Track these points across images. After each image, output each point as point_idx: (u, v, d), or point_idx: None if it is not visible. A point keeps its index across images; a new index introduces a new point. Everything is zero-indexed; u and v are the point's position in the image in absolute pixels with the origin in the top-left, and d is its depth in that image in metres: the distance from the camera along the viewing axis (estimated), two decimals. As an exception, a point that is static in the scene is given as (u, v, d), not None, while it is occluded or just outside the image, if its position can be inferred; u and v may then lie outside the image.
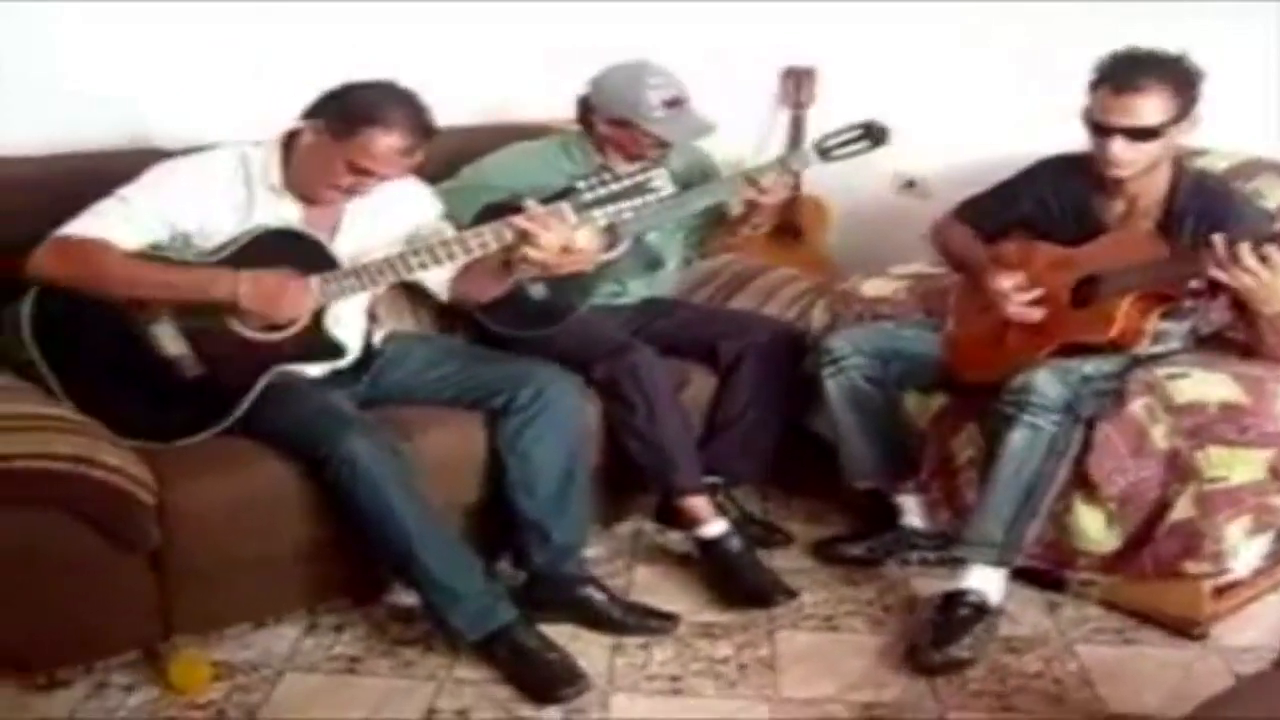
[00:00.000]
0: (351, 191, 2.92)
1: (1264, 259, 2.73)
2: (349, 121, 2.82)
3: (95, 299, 2.78)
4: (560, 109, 3.65)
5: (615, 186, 2.82)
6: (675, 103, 3.40)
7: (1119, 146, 2.96)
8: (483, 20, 4.00)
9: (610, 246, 3.38)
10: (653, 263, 3.64)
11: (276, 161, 2.93)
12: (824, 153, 3.39)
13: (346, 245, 2.98)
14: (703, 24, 4.25)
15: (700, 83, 3.49)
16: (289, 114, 2.92)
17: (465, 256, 2.90)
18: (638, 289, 3.64)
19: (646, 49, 3.50)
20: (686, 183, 3.50)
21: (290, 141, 2.93)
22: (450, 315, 3.48)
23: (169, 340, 2.83)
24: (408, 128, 2.84)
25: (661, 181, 2.82)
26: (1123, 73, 2.95)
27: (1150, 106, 2.92)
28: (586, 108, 3.50)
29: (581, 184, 2.85)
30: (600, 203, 2.83)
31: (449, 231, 3.06)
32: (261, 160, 2.93)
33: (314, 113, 2.87)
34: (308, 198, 2.96)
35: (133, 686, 2.83)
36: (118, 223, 2.81)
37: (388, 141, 2.83)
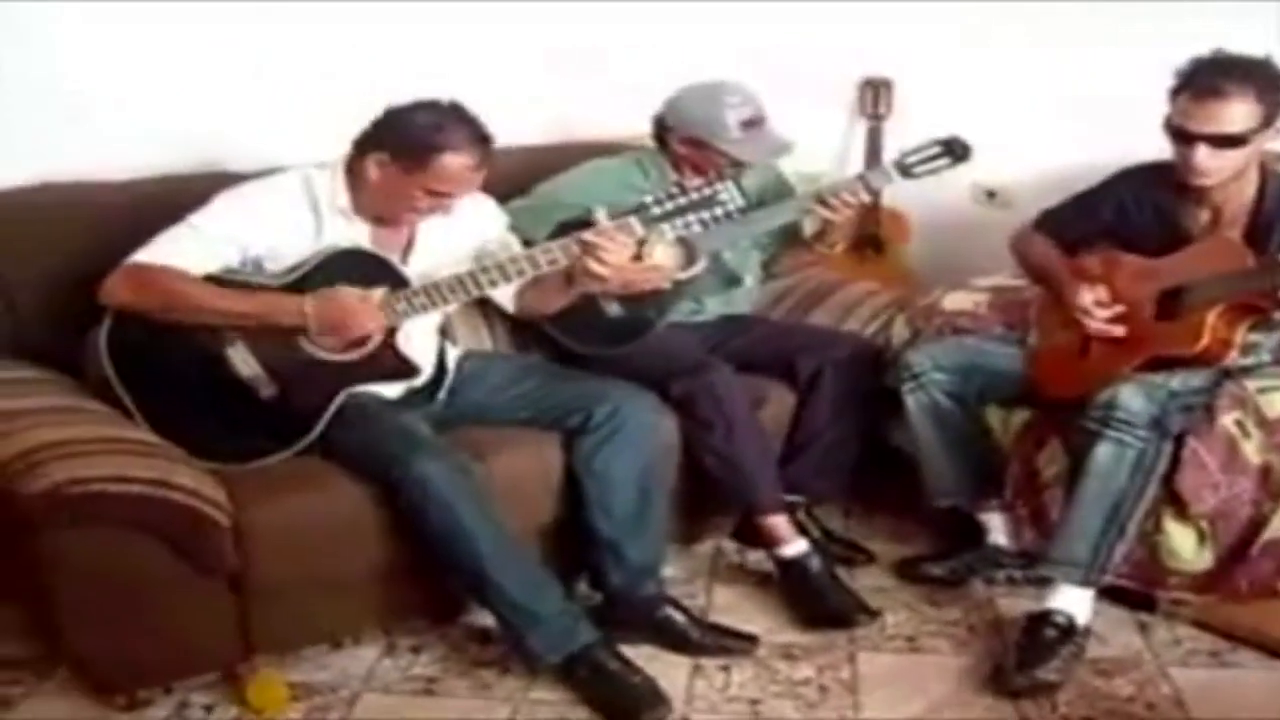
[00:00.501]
0: (431, 211, 2.93)
1: None
2: (416, 152, 2.83)
3: (169, 323, 2.81)
4: (633, 124, 3.63)
5: (682, 200, 2.80)
6: (753, 123, 3.37)
7: (1202, 154, 2.89)
8: (553, 36, 4.01)
9: (688, 264, 3.36)
10: (730, 280, 3.61)
11: (343, 185, 2.94)
12: (905, 170, 3.34)
13: (420, 263, 2.99)
14: (778, 36, 4.21)
15: (777, 95, 3.46)
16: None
17: (534, 272, 2.90)
18: (715, 306, 3.61)
19: (723, 62, 3.48)
20: (761, 201, 3.48)
21: (353, 166, 2.94)
22: (527, 334, 3.48)
23: (243, 362, 2.86)
24: (473, 143, 2.85)
25: (729, 195, 2.79)
26: (1204, 78, 2.88)
27: (1233, 113, 2.85)
28: (662, 127, 3.48)
29: (649, 199, 2.83)
30: (668, 216, 2.80)
31: (515, 245, 3.08)
32: (326, 184, 2.94)
33: (372, 145, 2.88)
34: (381, 220, 2.97)
35: (212, 707, 2.84)
36: (188, 249, 2.83)
37: (460, 162, 2.84)
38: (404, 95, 2.89)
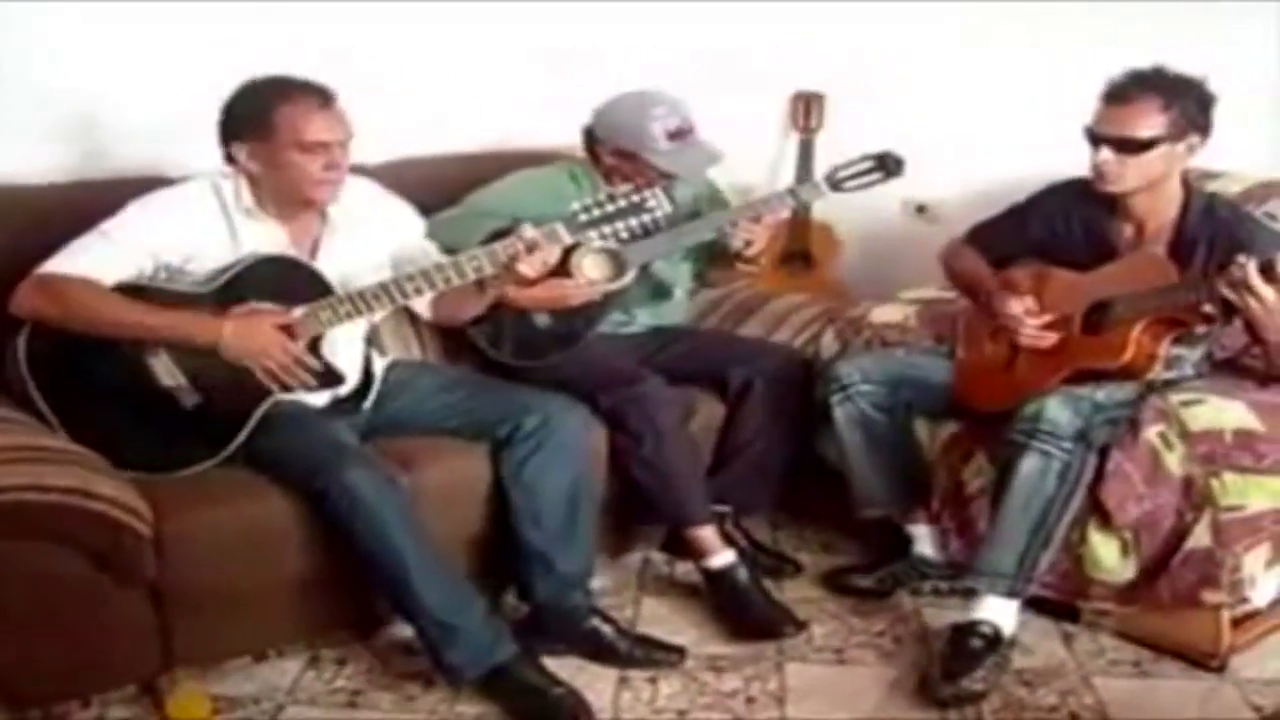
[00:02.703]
0: (331, 172, 2.87)
1: (1271, 280, 2.68)
2: (260, 121, 2.82)
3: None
4: (568, 137, 3.62)
5: (610, 208, 2.80)
6: (680, 133, 3.36)
7: (1104, 156, 2.96)
8: (490, 47, 4.00)
9: (616, 275, 3.35)
10: (660, 291, 3.61)
11: (244, 186, 2.91)
12: (836, 184, 3.36)
13: (329, 263, 2.96)
14: (711, 50, 4.22)
15: (710, 108, 3.46)
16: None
17: (460, 280, 2.86)
18: (645, 318, 3.61)
19: (655, 75, 3.48)
20: (694, 212, 3.48)
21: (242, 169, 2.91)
22: (456, 344, 3.46)
23: (165, 371, 2.81)
24: (298, 87, 2.83)
25: (657, 202, 2.79)
26: (1118, 85, 2.96)
27: (1137, 118, 2.92)
28: (592, 139, 3.47)
29: (577, 205, 2.82)
30: (595, 223, 2.80)
31: (433, 252, 3.06)
32: (231, 188, 2.91)
33: (229, 144, 2.86)
34: (298, 210, 2.94)
35: (131, 721, 2.80)
36: (100, 258, 2.79)
37: (301, 105, 2.81)
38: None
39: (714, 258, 3.64)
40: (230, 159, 2.88)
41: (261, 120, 2.82)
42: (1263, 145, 3.57)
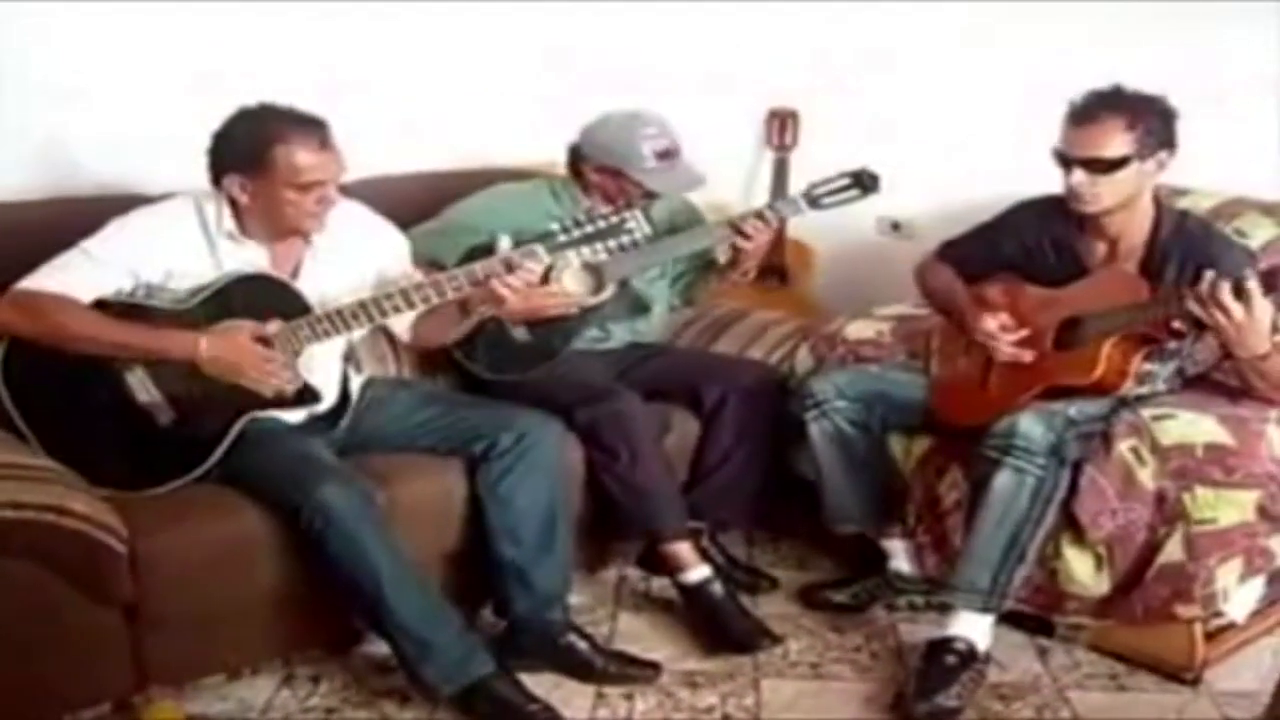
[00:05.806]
0: (323, 205, 2.87)
1: (1241, 295, 2.70)
2: (255, 158, 2.80)
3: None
4: (545, 154, 3.63)
5: (590, 228, 2.81)
6: (668, 154, 3.38)
7: (1077, 178, 2.97)
8: (471, 66, 4.00)
9: (595, 290, 3.35)
10: (638, 307, 3.62)
11: (227, 211, 2.90)
12: (813, 201, 3.37)
13: (310, 284, 2.95)
14: (686, 67, 4.24)
15: (685, 125, 3.47)
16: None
17: (439, 299, 2.87)
18: (622, 334, 3.61)
19: (630, 91, 3.50)
20: (674, 228, 3.49)
21: (228, 194, 2.89)
22: (432, 361, 3.46)
23: (141, 387, 2.81)
24: (299, 125, 2.81)
25: (636, 224, 2.80)
26: (1082, 106, 2.97)
27: (1104, 138, 2.93)
28: (577, 155, 3.48)
29: (556, 225, 2.83)
30: (574, 244, 2.81)
31: (417, 277, 3.04)
32: (214, 210, 2.90)
33: (222, 172, 2.85)
34: (281, 237, 2.93)
35: (104, 740, 2.78)
36: (79, 275, 2.79)
37: (299, 146, 2.80)
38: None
39: (702, 272, 3.66)
40: (217, 183, 2.87)
41: (257, 157, 2.80)
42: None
